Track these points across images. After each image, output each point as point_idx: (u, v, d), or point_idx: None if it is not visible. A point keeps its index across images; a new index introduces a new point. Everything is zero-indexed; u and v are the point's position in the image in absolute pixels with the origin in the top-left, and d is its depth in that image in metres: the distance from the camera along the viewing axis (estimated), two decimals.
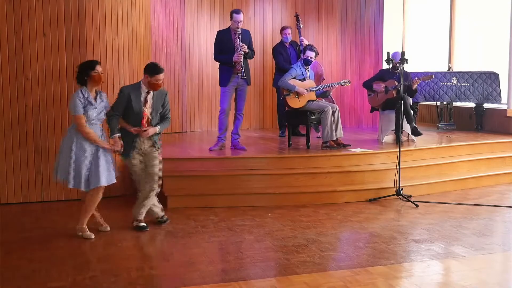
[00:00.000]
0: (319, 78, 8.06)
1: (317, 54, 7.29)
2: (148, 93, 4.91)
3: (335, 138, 6.87)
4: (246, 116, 9.44)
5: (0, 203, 5.87)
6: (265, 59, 9.39)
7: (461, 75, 8.80)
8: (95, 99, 4.77)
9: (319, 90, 7.14)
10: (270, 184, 6.14)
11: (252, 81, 9.41)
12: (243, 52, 6.54)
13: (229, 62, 6.59)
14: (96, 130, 4.78)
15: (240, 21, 6.60)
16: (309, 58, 7.06)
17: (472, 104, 9.10)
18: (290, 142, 7.17)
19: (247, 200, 5.89)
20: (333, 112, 6.88)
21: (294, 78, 7.02)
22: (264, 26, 9.45)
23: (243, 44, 6.57)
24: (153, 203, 5.13)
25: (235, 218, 5.38)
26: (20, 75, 5.85)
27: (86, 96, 4.71)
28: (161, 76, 4.88)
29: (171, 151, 6.85)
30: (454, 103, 9.31)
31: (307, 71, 7.14)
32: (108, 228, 4.99)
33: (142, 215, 5.04)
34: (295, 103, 7.00)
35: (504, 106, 8.75)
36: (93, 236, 4.78)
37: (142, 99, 4.89)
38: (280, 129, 8.40)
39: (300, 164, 6.42)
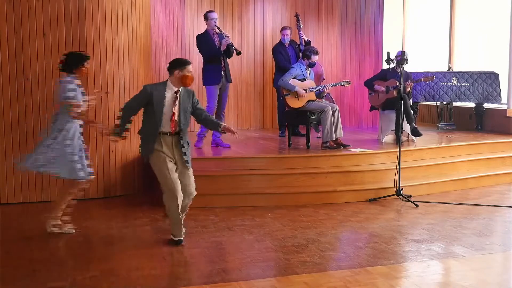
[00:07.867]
0: (319, 78, 8.06)
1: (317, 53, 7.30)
2: (177, 92, 4.49)
3: (335, 138, 6.87)
4: (246, 116, 9.46)
5: (0, 203, 5.87)
6: (265, 59, 9.38)
7: (461, 75, 8.80)
8: None
9: (319, 91, 7.14)
10: (270, 184, 6.14)
11: (252, 81, 9.49)
12: (229, 37, 6.79)
13: (219, 55, 6.76)
14: (77, 123, 4.65)
15: (216, 18, 6.92)
16: (314, 62, 7.12)
17: (472, 104, 9.10)
18: (290, 142, 7.17)
19: (247, 200, 5.89)
20: (333, 112, 6.88)
21: (294, 78, 7.02)
22: (264, 26, 9.45)
23: (227, 34, 6.83)
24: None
25: (235, 218, 5.38)
26: (20, 75, 5.85)
27: (75, 83, 4.51)
28: (192, 67, 4.54)
29: None
30: (454, 103, 9.31)
31: (307, 71, 7.14)
32: (72, 231, 4.83)
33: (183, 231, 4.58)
34: (294, 103, 6.99)
35: (504, 106, 8.75)
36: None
37: (170, 99, 4.46)
38: (280, 129, 8.39)
39: (300, 164, 6.41)
